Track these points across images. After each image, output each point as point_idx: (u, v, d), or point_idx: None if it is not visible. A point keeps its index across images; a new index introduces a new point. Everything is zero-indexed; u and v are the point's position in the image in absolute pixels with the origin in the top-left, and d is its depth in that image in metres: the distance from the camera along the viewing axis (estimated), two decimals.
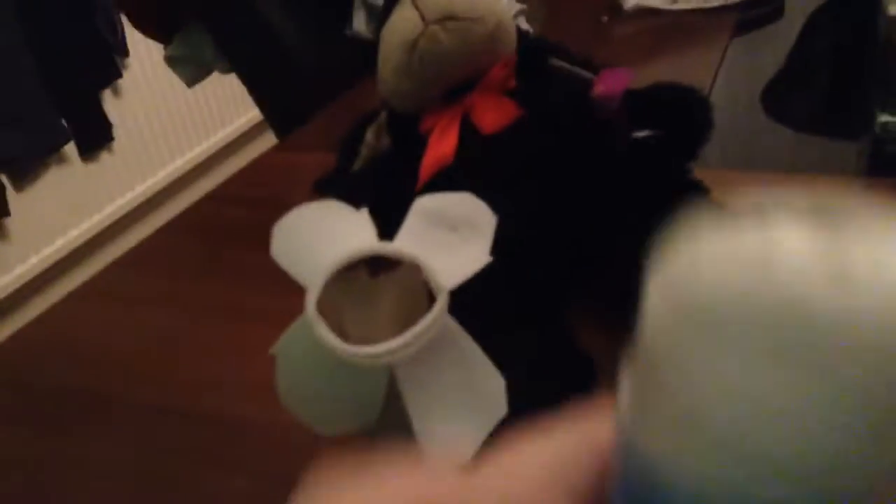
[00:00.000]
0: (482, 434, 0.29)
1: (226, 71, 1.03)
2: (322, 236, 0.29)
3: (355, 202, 0.60)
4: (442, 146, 0.55)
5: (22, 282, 2.10)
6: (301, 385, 0.29)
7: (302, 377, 0.29)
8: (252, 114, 2.82)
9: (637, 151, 0.52)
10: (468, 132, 0.55)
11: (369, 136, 0.65)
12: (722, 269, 0.11)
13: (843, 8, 0.97)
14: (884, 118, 0.69)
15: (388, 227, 0.60)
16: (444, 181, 0.53)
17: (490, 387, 0.29)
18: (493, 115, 0.54)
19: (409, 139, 0.57)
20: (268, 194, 0.74)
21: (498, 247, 0.47)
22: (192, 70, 1.02)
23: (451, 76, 0.55)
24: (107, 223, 2.38)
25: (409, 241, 0.28)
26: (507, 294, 0.43)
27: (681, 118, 0.53)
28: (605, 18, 1.06)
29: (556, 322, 0.44)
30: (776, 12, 1.05)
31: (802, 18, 1.01)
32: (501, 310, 0.42)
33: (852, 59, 0.87)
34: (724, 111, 0.82)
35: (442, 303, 0.27)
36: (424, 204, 0.31)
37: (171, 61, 1.04)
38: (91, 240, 2.32)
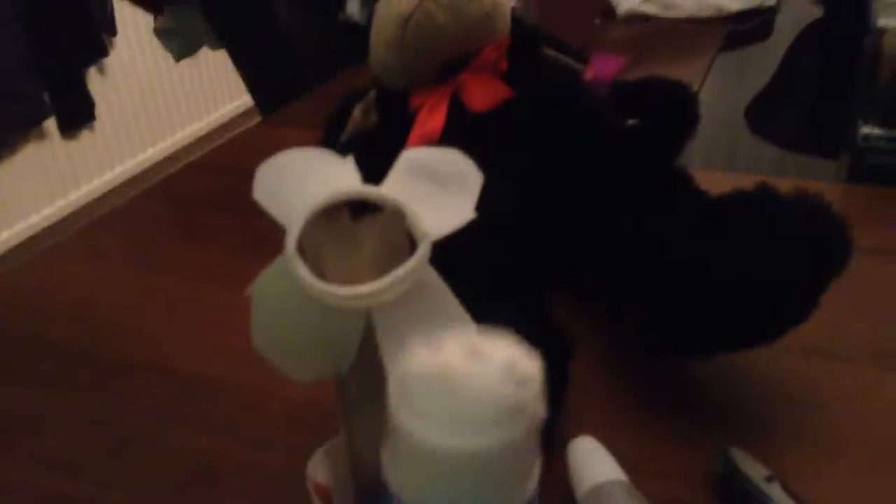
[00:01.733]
0: None
1: (215, 46, 1.02)
2: (306, 179, 0.28)
3: None
4: (430, 123, 0.55)
5: None
6: (276, 327, 0.29)
7: (277, 319, 0.29)
8: (236, 103, 2.81)
9: (624, 138, 0.52)
10: (457, 111, 0.55)
11: (357, 113, 0.64)
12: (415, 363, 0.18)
13: (832, 25, 0.99)
14: (866, 129, 0.70)
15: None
16: None
17: None
18: (483, 94, 0.54)
19: (397, 116, 0.57)
20: (250, 165, 0.73)
21: (481, 222, 0.47)
22: (181, 44, 1.01)
23: (443, 54, 0.55)
24: (83, 202, 2.34)
25: (394, 190, 0.28)
26: (487, 267, 0.43)
27: (668, 110, 0.53)
28: (598, 22, 1.06)
29: (534, 299, 0.43)
30: (766, 27, 1.06)
31: (790, 36, 1.02)
32: (480, 282, 0.42)
33: (837, 75, 0.88)
34: (706, 122, 0.83)
35: (424, 249, 0.27)
36: (411, 156, 0.31)
37: (160, 34, 1.02)
38: (66, 217, 2.28)
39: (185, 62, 1.04)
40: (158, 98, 2.57)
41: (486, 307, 0.38)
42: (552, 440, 0.40)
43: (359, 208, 0.28)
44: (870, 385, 0.44)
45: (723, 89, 0.93)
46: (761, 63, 0.99)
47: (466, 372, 0.16)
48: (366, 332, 0.28)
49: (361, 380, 0.30)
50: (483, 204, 0.47)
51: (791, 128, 0.81)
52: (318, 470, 0.32)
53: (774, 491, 0.34)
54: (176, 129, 2.68)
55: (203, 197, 0.72)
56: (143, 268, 0.61)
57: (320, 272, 0.27)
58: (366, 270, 0.27)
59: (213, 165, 0.78)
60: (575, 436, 0.38)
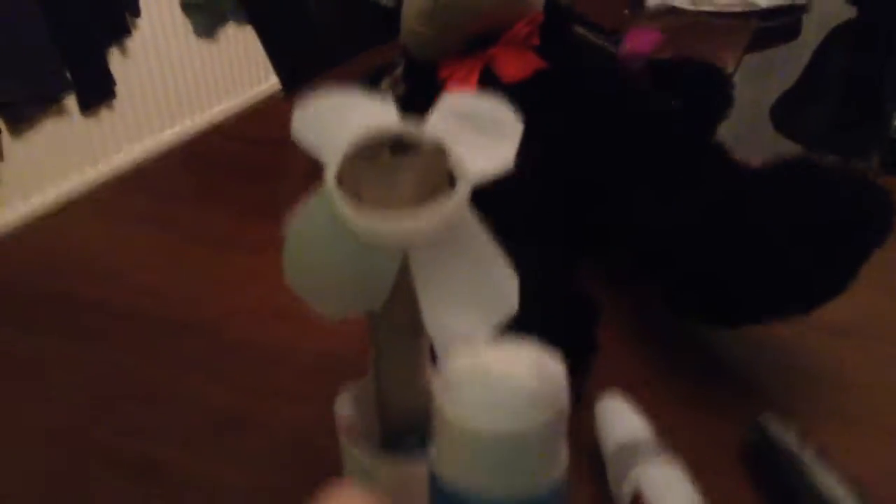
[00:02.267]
0: (490, 328, 0.28)
1: (241, 21, 1.02)
2: (346, 115, 0.28)
3: None
4: (461, 90, 0.55)
5: (7, 228, 2.07)
6: (310, 262, 0.29)
7: (312, 254, 0.28)
8: (257, 89, 2.81)
9: (658, 115, 0.52)
10: (488, 82, 0.54)
11: (384, 85, 0.64)
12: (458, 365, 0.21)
13: (867, 23, 0.98)
14: None
15: None
16: None
17: (503, 282, 0.28)
18: (515, 65, 0.54)
19: (426, 86, 0.57)
20: (270, 135, 0.74)
21: (511, 188, 0.47)
22: (206, 17, 1.01)
23: (474, 26, 0.55)
24: (101, 180, 2.35)
25: (435, 130, 0.28)
26: (515, 216, 0.43)
27: (703, 90, 0.53)
28: (627, 12, 1.06)
29: (560, 264, 0.43)
30: (795, 25, 1.05)
31: (819, 36, 1.01)
32: (508, 230, 0.42)
33: (870, 72, 0.87)
34: (731, 120, 0.83)
35: (465, 188, 0.26)
36: (452, 100, 0.30)
37: (186, 7, 1.03)
38: (83, 193, 2.29)
39: (207, 44, 1.04)
40: (179, 79, 2.58)
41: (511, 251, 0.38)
42: (580, 401, 0.39)
43: (398, 148, 0.28)
44: None
45: (749, 87, 0.93)
46: (789, 61, 0.98)
47: (504, 368, 0.20)
48: (400, 271, 0.28)
49: (393, 319, 0.30)
50: (515, 174, 0.48)
51: (818, 127, 0.80)
52: (346, 408, 0.32)
53: (808, 458, 0.33)
54: (195, 111, 2.68)
55: (223, 163, 0.72)
56: (163, 230, 0.61)
57: (359, 208, 0.27)
58: (404, 206, 0.27)
59: (235, 133, 0.78)
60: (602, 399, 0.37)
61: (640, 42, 0.53)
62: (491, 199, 0.42)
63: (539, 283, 0.39)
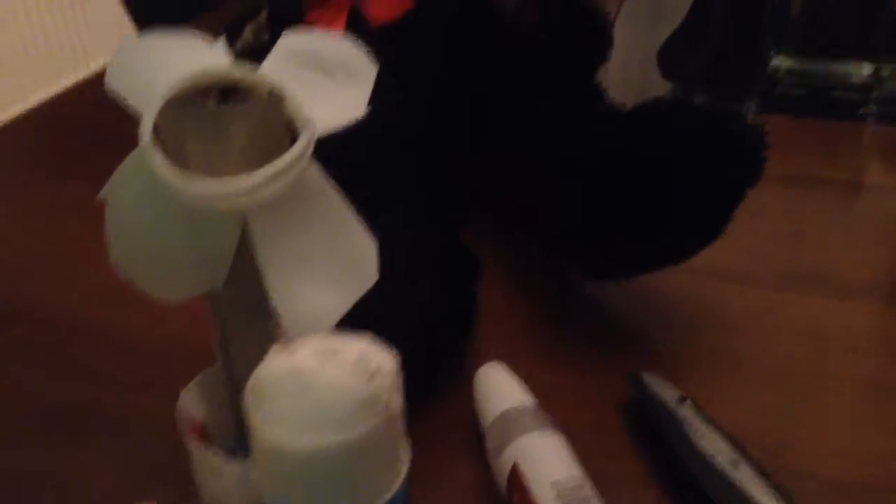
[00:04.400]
0: (347, 303, 0.25)
1: None
2: (169, 61, 0.24)
3: None
4: None
5: None
6: (134, 236, 0.25)
7: (136, 226, 0.24)
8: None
9: (534, 53, 0.49)
10: (356, 24, 0.51)
11: (247, 33, 0.59)
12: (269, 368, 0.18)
13: None
14: (776, 62, 0.69)
15: None
16: None
17: (360, 249, 0.25)
18: (384, 5, 0.50)
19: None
20: None
21: (383, 136, 0.43)
22: None
23: None
24: None
25: (272, 71, 0.24)
26: (382, 172, 0.40)
27: (583, 28, 0.51)
28: None
29: (438, 216, 0.41)
30: None
31: None
32: (381, 196, 0.39)
33: (750, 11, 0.87)
34: (620, 66, 0.82)
35: (307, 139, 0.23)
36: (293, 42, 0.26)
37: None
38: None
39: (62, 8, 0.95)
40: (30, 47, 2.38)
41: (388, 221, 0.35)
42: (461, 369, 0.37)
43: (228, 96, 0.24)
44: (779, 306, 0.43)
45: (636, 34, 0.91)
46: (677, 6, 0.97)
47: (318, 370, 0.17)
48: (241, 241, 0.24)
49: (239, 297, 0.26)
50: (380, 111, 0.45)
51: (701, 69, 0.80)
52: (192, 404, 0.28)
53: (686, 412, 0.33)
54: (50, 80, 2.49)
55: (82, 130, 0.65)
56: (9, 207, 0.55)
57: (185, 167, 0.23)
58: (237, 163, 0.23)
59: (88, 97, 0.71)
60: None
61: None
62: (361, 150, 0.38)
63: (417, 240, 0.37)
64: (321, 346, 0.18)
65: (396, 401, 0.18)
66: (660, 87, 0.78)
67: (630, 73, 0.80)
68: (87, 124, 0.66)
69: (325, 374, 0.17)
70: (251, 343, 0.26)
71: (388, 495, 0.18)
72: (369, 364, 0.18)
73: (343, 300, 0.25)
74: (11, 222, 0.53)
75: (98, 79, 0.74)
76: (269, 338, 0.26)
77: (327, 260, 0.25)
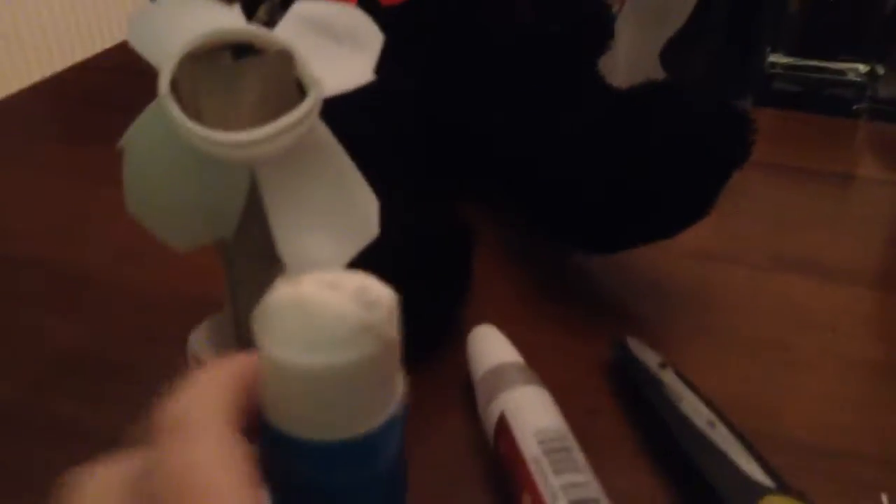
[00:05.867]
0: (349, 254, 0.27)
1: None
2: (186, 19, 0.26)
3: None
4: None
5: None
6: (150, 185, 0.26)
7: (151, 175, 0.26)
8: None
9: (534, 40, 0.51)
10: (367, 4, 0.52)
11: (261, 13, 0.60)
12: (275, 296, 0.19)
13: None
14: (773, 58, 0.71)
15: None
16: None
17: (362, 205, 0.27)
18: None
19: None
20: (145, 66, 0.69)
21: (388, 115, 0.45)
22: None
23: None
24: None
25: (285, 34, 0.25)
26: (393, 158, 0.42)
27: (580, 19, 0.52)
28: None
29: (437, 192, 0.42)
30: None
31: None
32: (385, 172, 0.40)
33: (747, 10, 0.89)
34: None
35: (315, 97, 0.25)
36: (304, 8, 0.28)
37: None
38: None
39: None
40: (47, 21, 2.39)
41: (388, 197, 0.37)
42: (454, 331, 0.39)
43: (241, 54, 0.26)
44: (763, 286, 0.45)
45: (644, 34, 0.93)
46: (683, 7, 0.99)
47: (319, 296, 0.18)
48: (250, 192, 0.26)
49: (247, 246, 0.28)
50: (386, 89, 0.46)
51: (701, 68, 0.81)
52: (200, 345, 0.29)
53: (667, 376, 0.34)
54: (66, 53, 2.50)
55: (93, 97, 0.67)
56: (25, 168, 0.56)
57: (199, 120, 0.24)
58: (249, 116, 0.25)
59: (105, 65, 0.73)
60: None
61: None
62: (366, 125, 0.40)
63: (415, 213, 0.38)
64: (324, 279, 0.19)
65: (393, 331, 0.19)
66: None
67: (637, 73, 0.81)
68: (96, 90, 0.67)
69: (325, 301, 0.18)
70: (258, 289, 0.28)
71: (383, 416, 0.19)
72: (369, 295, 0.19)
73: (344, 251, 0.26)
74: (30, 183, 0.54)
75: (116, 48, 0.76)
76: (274, 279, 0.28)
77: (331, 213, 0.26)
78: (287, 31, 0.27)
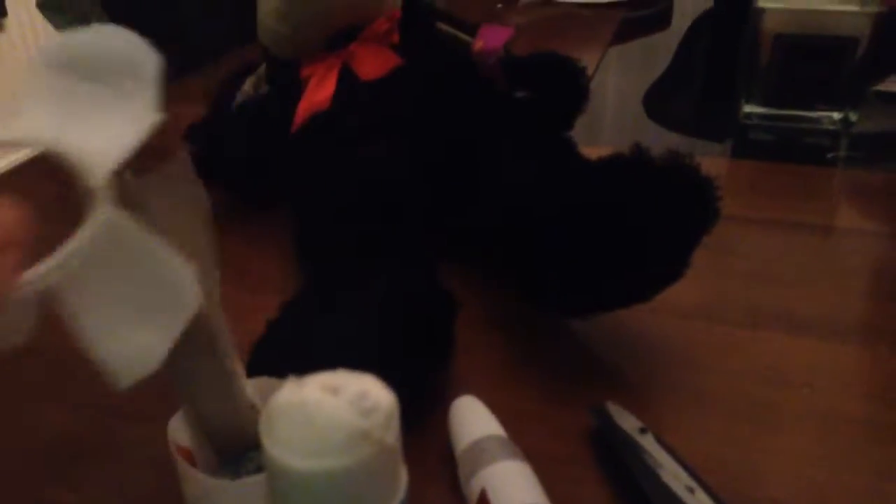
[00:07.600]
0: (173, 335, 0.23)
1: (103, 22, 0.96)
2: None
3: (227, 147, 0.53)
4: (320, 91, 0.52)
5: None
6: None
7: None
8: None
9: (511, 108, 0.50)
10: (347, 80, 0.52)
11: (247, 86, 0.60)
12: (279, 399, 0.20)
13: (725, 9, 0.98)
14: (748, 108, 0.68)
15: (263, 169, 0.53)
16: (320, 126, 0.51)
17: (176, 282, 0.23)
18: (373, 63, 0.52)
19: (287, 85, 0.54)
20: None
21: (370, 185, 0.44)
22: (67, 19, 0.95)
23: (331, 23, 0.52)
24: None
25: (40, 111, 0.21)
26: (374, 229, 0.42)
27: (557, 84, 0.51)
28: (500, 6, 1.04)
29: (419, 259, 0.41)
30: (663, 17, 1.04)
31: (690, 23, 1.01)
32: (368, 244, 0.41)
33: (726, 59, 0.88)
34: (613, 109, 0.81)
35: (103, 207, 0.21)
36: (48, 53, 0.23)
37: (44, 8, 0.96)
38: None
39: None
40: None
41: (370, 266, 0.37)
42: (436, 398, 0.37)
43: None
44: (741, 344, 0.42)
45: (628, 77, 0.91)
46: (664, 50, 0.97)
47: (319, 402, 0.19)
48: None
49: (186, 349, 0.25)
50: (374, 167, 0.45)
51: (683, 113, 0.80)
52: (178, 433, 0.28)
53: (647, 442, 0.32)
54: None
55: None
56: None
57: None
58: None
59: None
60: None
61: (491, 38, 0.51)
62: (354, 191, 0.42)
63: (399, 283, 0.37)
64: (327, 381, 0.20)
65: (390, 435, 0.20)
66: (653, 130, 0.77)
67: (624, 118, 0.80)
68: None
69: (325, 407, 0.19)
70: (208, 386, 0.26)
71: None
72: (367, 401, 0.19)
73: (165, 335, 0.23)
74: None
75: None
76: (222, 372, 0.26)
77: (142, 301, 0.22)
78: (37, 93, 0.23)
